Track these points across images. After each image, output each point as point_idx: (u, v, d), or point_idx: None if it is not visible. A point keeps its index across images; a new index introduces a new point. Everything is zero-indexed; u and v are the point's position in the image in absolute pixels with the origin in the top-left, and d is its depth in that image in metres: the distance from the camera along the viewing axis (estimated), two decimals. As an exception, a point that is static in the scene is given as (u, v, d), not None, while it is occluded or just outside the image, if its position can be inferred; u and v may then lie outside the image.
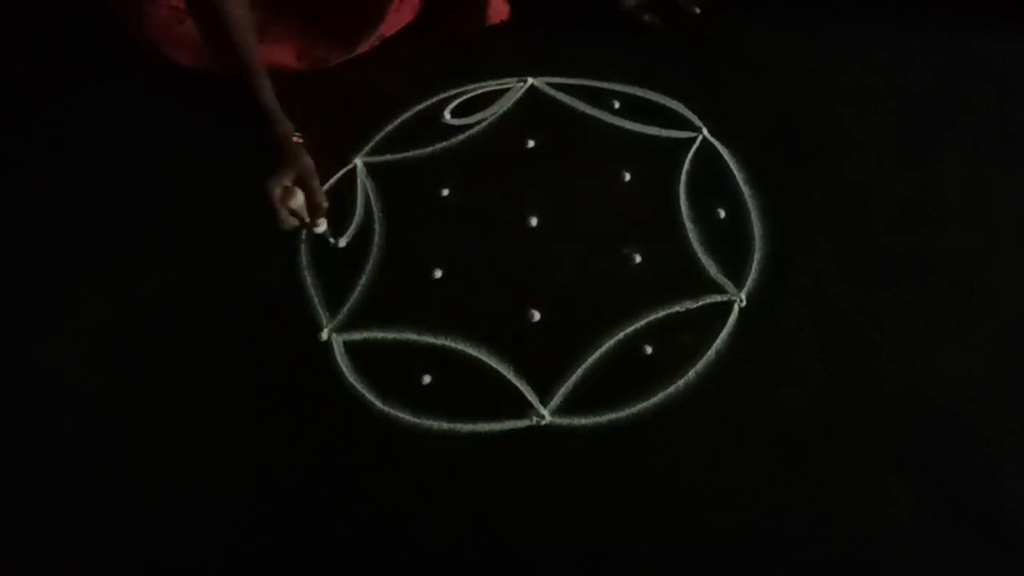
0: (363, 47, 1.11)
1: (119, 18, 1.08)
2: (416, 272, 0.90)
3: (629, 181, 0.97)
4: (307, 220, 0.87)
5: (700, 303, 0.86)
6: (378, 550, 0.73)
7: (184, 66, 1.07)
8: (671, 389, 0.80)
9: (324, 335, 0.86)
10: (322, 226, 0.89)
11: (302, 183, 0.87)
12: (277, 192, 0.85)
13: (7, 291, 0.93)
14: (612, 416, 0.79)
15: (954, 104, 1.02)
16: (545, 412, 0.79)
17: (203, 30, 0.96)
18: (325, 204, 0.88)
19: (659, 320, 0.85)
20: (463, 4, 1.14)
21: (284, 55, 1.09)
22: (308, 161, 0.88)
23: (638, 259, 0.90)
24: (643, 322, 0.85)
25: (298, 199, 0.86)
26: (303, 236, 0.95)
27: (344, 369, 0.84)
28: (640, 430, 0.78)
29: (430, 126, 1.04)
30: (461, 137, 1.02)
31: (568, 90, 1.07)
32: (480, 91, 1.07)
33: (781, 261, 0.89)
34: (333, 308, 0.88)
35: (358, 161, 1.01)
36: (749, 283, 0.87)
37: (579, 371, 0.81)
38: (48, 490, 0.78)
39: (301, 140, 0.90)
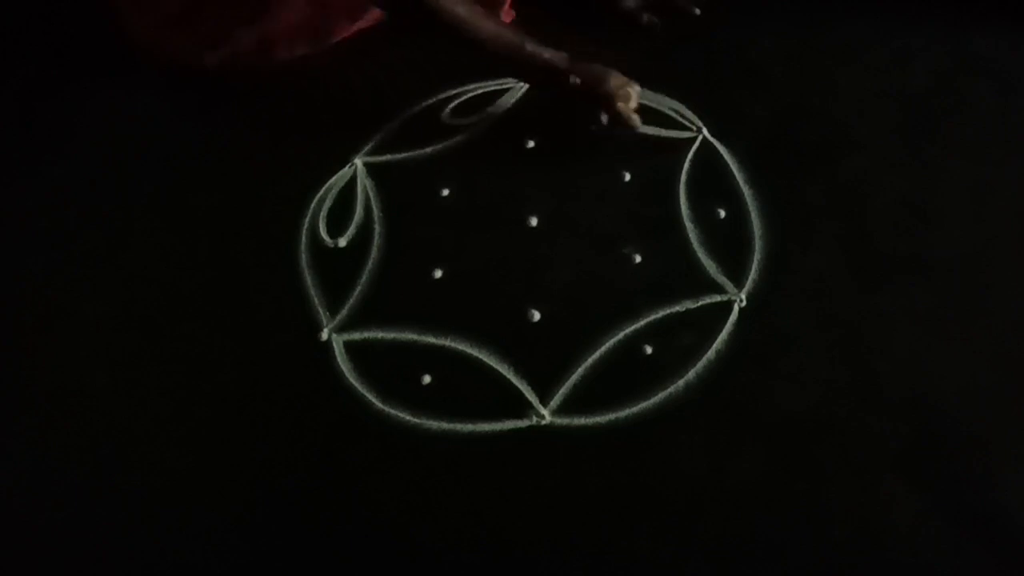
0: (366, 20, 1.11)
1: (124, 19, 1.08)
2: (416, 272, 0.90)
3: (629, 181, 0.97)
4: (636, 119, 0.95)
5: (700, 303, 0.86)
6: (378, 550, 0.73)
7: (189, 65, 1.07)
8: (671, 389, 0.80)
9: (324, 335, 0.86)
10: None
11: (620, 82, 0.94)
12: (616, 88, 0.93)
13: (7, 291, 0.93)
14: (612, 416, 0.79)
15: (954, 104, 1.02)
16: (545, 412, 0.79)
17: (455, 42, 0.98)
18: (637, 88, 0.96)
19: (659, 320, 0.85)
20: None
21: (288, 32, 1.08)
22: (601, 67, 0.95)
23: (638, 259, 0.90)
24: (643, 322, 0.85)
25: (634, 96, 0.95)
26: (303, 236, 0.94)
27: (344, 369, 0.83)
28: (640, 430, 0.78)
29: (430, 126, 1.04)
30: (461, 137, 1.02)
31: (568, 90, 1.07)
32: (480, 91, 1.07)
33: (781, 261, 0.89)
34: (333, 308, 0.88)
35: (358, 161, 1.01)
36: (749, 283, 0.87)
37: (579, 371, 0.81)
38: (47, 490, 0.78)
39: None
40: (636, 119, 0.95)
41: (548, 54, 0.95)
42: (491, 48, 0.95)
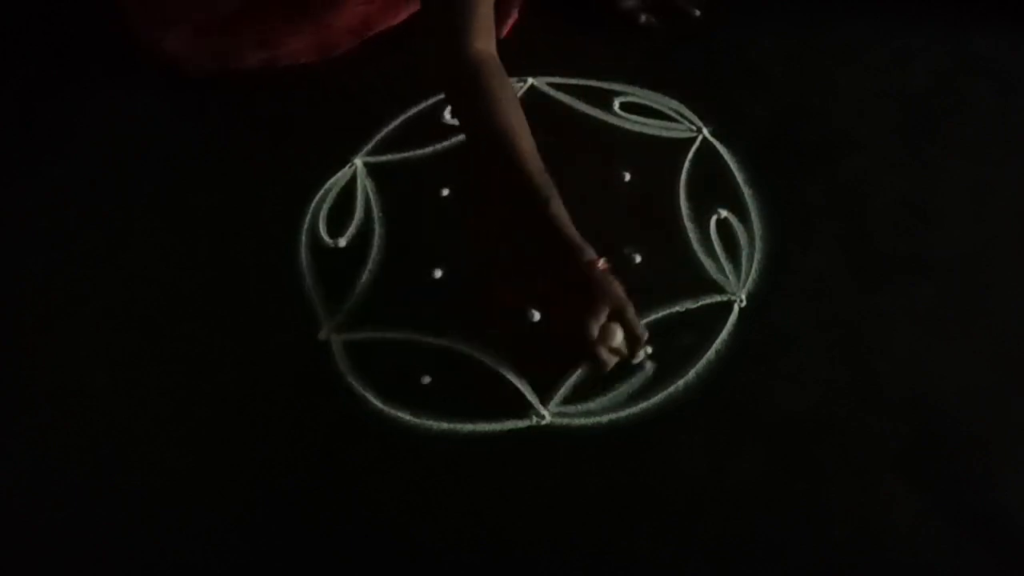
0: (374, 31, 1.11)
1: (135, 29, 1.08)
2: (416, 272, 0.90)
3: (629, 181, 0.97)
4: (625, 355, 0.77)
5: (700, 303, 0.86)
6: (378, 550, 0.73)
7: (196, 64, 1.08)
8: (671, 389, 0.80)
9: (324, 335, 0.86)
10: (642, 355, 0.79)
11: (619, 316, 0.76)
12: (595, 333, 0.74)
13: (7, 291, 0.93)
14: (612, 416, 0.79)
15: (954, 104, 1.02)
16: (545, 412, 0.79)
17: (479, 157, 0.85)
18: (645, 334, 0.77)
19: (659, 320, 0.85)
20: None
21: (294, 43, 1.09)
22: (619, 290, 0.76)
23: (638, 259, 0.90)
24: (643, 322, 0.84)
25: (618, 336, 0.76)
26: (303, 236, 0.94)
27: (344, 369, 0.83)
28: (640, 430, 0.78)
29: (430, 126, 1.04)
30: (461, 137, 1.02)
31: (568, 90, 1.07)
32: (480, 91, 1.07)
33: (781, 261, 0.89)
34: (333, 308, 0.88)
35: (358, 161, 1.01)
36: (749, 283, 0.87)
37: (579, 371, 0.81)
38: (47, 490, 0.78)
39: (608, 265, 0.78)
40: (607, 357, 0.76)
41: (569, 227, 0.78)
42: (512, 167, 0.80)
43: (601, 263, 0.78)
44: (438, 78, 0.91)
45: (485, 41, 0.86)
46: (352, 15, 1.09)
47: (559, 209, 0.80)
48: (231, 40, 1.08)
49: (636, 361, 0.79)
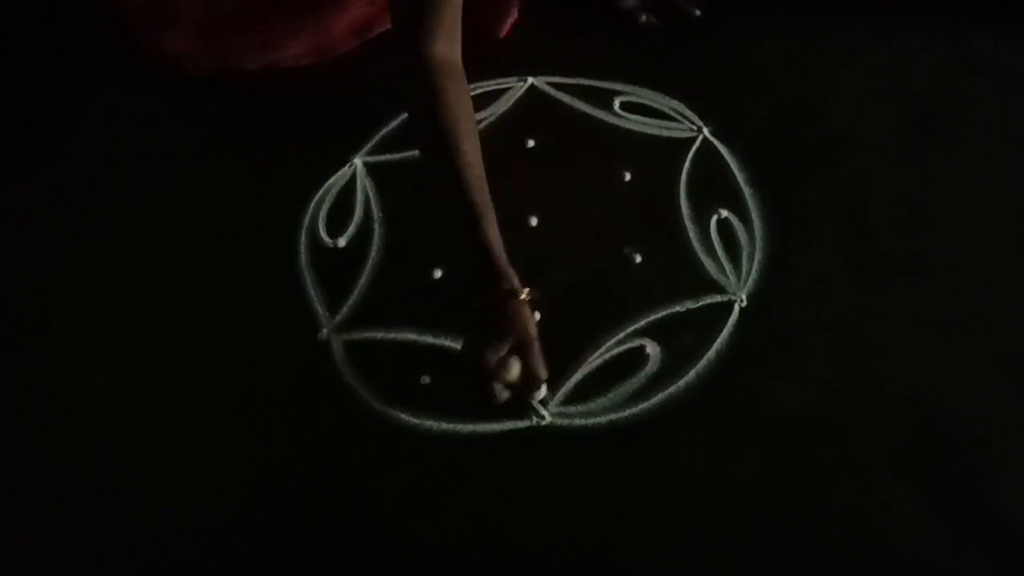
0: (375, 32, 1.11)
1: (135, 29, 1.08)
2: (416, 272, 0.90)
3: (629, 181, 0.97)
4: (520, 391, 0.76)
5: (700, 303, 0.86)
6: (378, 550, 0.73)
7: (195, 65, 1.08)
8: (671, 389, 0.80)
9: (324, 335, 0.86)
10: (541, 394, 0.77)
11: (522, 351, 0.74)
12: (492, 362, 0.73)
13: (7, 291, 0.93)
14: (612, 416, 0.79)
15: (954, 104, 1.02)
16: (545, 412, 0.79)
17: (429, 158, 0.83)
18: (544, 375, 0.75)
19: (659, 320, 0.85)
20: (480, 18, 1.13)
21: (294, 45, 1.09)
22: (531, 325, 0.75)
23: (638, 259, 0.90)
24: (643, 322, 0.85)
25: (514, 371, 0.74)
26: (303, 236, 0.94)
27: (343, 369, 0.83)
28: (640, 430, 0.78)
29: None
30: (461, 137, 1.02)
31: (568, 90, 1.07)
32: (480, 91, 1.07)
33: (781, 261, 0.89)
34: (333, 308, 0.88)
35: (358, 161, 1.01)
36: (749, 283, 0.87)
37: (579, 371, 0.81)
38: (47, 490, 0.78)
39: (530, 297, 0.77)
40: (497, 391, 0.74)
41: (496, 250, 0.77)
42: (449, 171, 0.78)
43: (524, 294, 0.77)
44: (397, 77, 0.89)
45: (448, 45, 0.84)
46: (352, 17, 1.09)
47: (491, 230, 0.77)
48: (231, 40, 1.08)
49: (532, 400, 0.78)
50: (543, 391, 0.78)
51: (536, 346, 0.75)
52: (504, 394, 0.75)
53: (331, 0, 1.08)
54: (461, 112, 0.82)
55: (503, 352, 0.74)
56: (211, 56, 1.08)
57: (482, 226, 0.77)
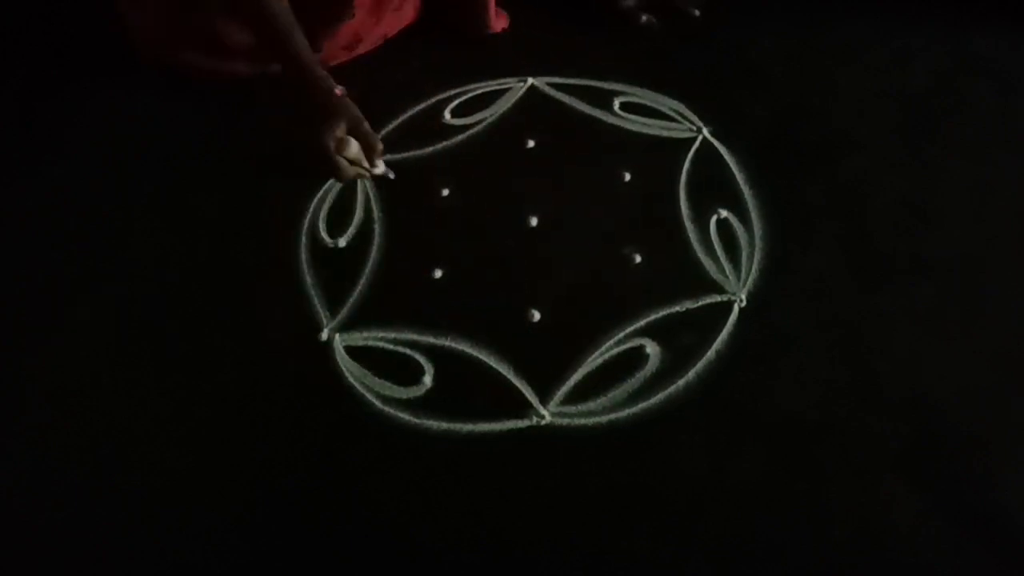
0: (362, 48, 1.11)
1: (126, 18, 1.08)
2: (416, 272, 0.91)
3: (629, 181, 0.97)
4: (365, 165, 0.92)
5: (700, 303, 0.86)
6: (378, 550, 0.73)
7: (193, 68, 1.08)
8: (671, 389, 0.80)
9: (324, 335, 0.86)
10: (380, 167, 0.94)
11: (354, 131, 0.92)
12: (332, 145, 0.89)
13: (6, 291, 0.93)
14: (612, 416, 0.79)
15: (954, 104, 1.02)
16: (545, 412, 0.79)
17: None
18: (380, 145, 0.93)
19: (659, 320, 0.85)
20: (462, 12, 1.14)
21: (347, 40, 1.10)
22: (354, 109, 0.92)
23: (638, 259, 0.90)
24: (643, 322, 0.85)
25: (352, 148, 0.91)
26: (303, 236, 0.94)
27: (344, 369, 0.84)
28: (640, 430, 0.78)
29: (430, 126, 1.04)
30: (461, 137, 1.02)
31: (568, 90, 1.07)
32: (480, 91, 1.07)
33: (781, 261, 0.89)
34: (333, 308, 0.88)
35: (358, 161, 1.01)
36: (749, 283, 0.87)
37: (579, 371, 0.81)
38: (47, 490, 0.78)
39: (343, 92, 0.93)
40: (344, 166, 0.92)
41: (308, 59, 0.93)
42: (263, 15, 0.92)
43: (338, 90, 0.93)
44: None
45: None
46: (343, 35, 1.09)
47: (299, 44, 0.93)
48: (230, 52, 1.07)
49: (376, 171, 0.94)
50: (381, 165, 0.95)
51: (365, 124, 0.93)
52: (351, 170, 0.92)
53: (323, 21, 1.08)
54: None
55: (339, 133, 0.91)
56: (210, 59, 1.08)
57: (292, 42, 0.93)
